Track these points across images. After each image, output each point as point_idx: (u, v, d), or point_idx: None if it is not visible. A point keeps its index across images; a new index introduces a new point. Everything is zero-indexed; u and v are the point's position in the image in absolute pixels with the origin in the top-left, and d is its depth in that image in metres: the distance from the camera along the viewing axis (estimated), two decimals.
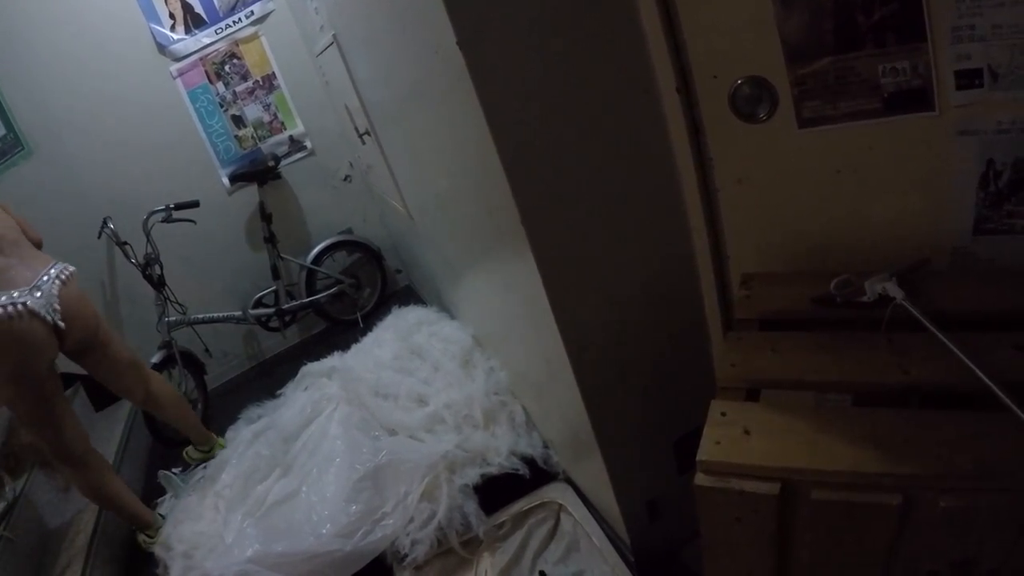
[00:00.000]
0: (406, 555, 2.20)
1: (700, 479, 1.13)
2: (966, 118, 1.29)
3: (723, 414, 1.21)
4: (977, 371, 1.06)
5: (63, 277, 2.47)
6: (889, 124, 1.35)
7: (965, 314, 1.26)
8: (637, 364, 1.79)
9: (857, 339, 1.28)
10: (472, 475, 2.36)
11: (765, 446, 1.13)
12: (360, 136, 3.24)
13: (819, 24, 1.33)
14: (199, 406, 3.72)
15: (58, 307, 2.39)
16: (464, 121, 1.55)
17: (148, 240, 3.54)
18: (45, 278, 2.40)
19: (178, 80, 3.90)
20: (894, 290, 1.26)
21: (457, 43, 1.36)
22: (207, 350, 4.08)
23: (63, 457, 2.52)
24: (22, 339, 2.27)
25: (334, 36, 2.78)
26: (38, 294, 2.33)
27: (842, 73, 1.35)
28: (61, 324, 2.39)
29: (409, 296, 4.32)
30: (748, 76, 1.44)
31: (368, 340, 3.49)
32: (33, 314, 2.29)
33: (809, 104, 1.41)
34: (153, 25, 3.77)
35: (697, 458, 1.14)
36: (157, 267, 3.58)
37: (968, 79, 1.25)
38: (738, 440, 1.15)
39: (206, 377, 3.90)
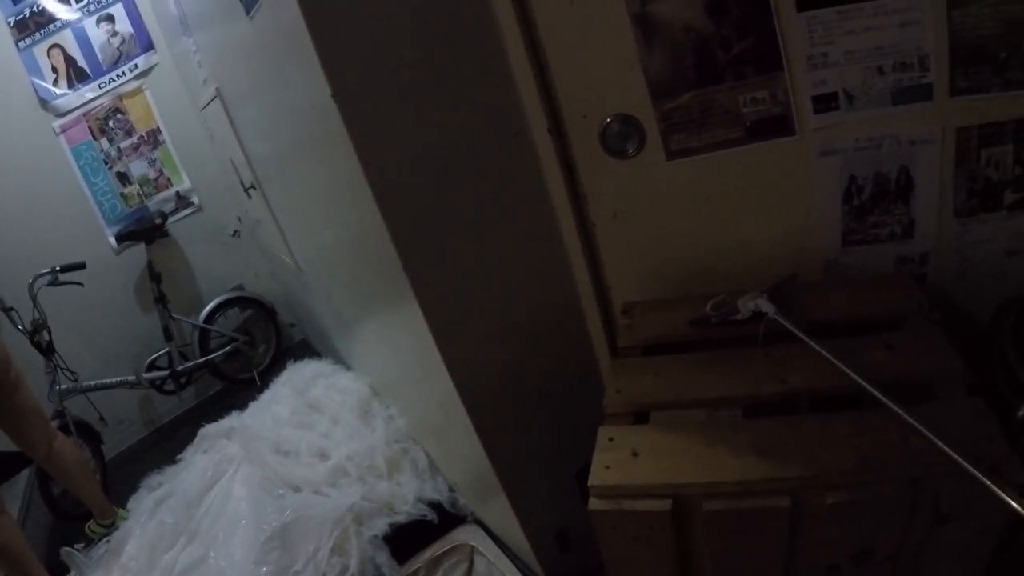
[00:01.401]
0: None
1: (593, 503, 1.15)
2: (826, 139, 1.39)
3: (611, 439, 1.24)
4: (848, 371, 1.13)
5: None
6: (753, 151, 1.43)
7: (837, 321, 1.34)
8: (531, 399, 1.80)
9: (736, 355, 1.33)
10: (380, 525, 2.32)
11: (653, 465, 1.16)
12: (246, 190, 3.19)
13: (680, 61, 1.40)
14: (97, 477, 3.52)
15: None
16: (342, 171, 1.55)
17: (35, 305, 3.36)
18: None
19: (61, 136, 3.77)
20: (766, 306, 1.32)
21: (332, 95, 1.37)
22: (102, 418, 3.88)
23: None
24: None
25: (217, 89, 2.75)
26: None
27: (705, 106, 1.43)
28: None
29: (304, 350, 4.22)
30: (616, 114, 1.50)
31: (265, 397, 3.41)
32: None
33: (676, 137, 1.48)
34: (35, 79, 3.66)
35: (588, 483, 1.16)
36: (45, 333, 3.41)
37: (825, 103, 1.36)
38: (626, 462, 1.18)
39: (103, 447, 3.71)
